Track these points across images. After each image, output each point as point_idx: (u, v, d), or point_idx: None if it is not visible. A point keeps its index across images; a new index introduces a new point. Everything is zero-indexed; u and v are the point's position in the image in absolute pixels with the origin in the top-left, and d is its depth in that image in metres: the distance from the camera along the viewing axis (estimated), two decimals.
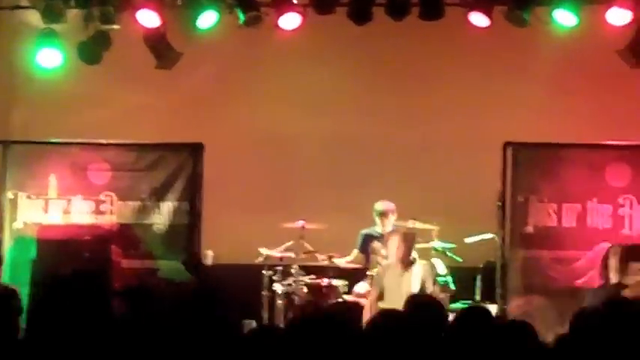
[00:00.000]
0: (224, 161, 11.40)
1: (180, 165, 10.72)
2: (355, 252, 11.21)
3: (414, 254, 10.31)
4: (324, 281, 10.84)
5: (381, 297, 9.86)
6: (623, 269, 9.25)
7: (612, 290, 9.05)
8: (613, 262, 9.32)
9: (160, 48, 11.07)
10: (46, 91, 12.08)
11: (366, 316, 9.48)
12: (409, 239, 10.29)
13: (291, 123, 12.44)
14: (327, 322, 4.86)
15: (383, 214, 11.09)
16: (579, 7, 10.47)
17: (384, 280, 10.15)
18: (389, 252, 10.37)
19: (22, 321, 7.07)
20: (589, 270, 9.88)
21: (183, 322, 5.33)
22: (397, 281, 10.08)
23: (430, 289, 9.87)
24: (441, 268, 10.82)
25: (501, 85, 12.25)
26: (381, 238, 11.04)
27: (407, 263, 10.13)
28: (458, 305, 10.44)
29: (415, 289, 9.75)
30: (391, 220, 11.09)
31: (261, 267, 10.87)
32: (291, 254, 10.96)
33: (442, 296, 10.55)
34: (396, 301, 9.07)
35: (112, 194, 10.71)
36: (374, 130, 12.39)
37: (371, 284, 10.66)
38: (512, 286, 9.99)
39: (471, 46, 11.70)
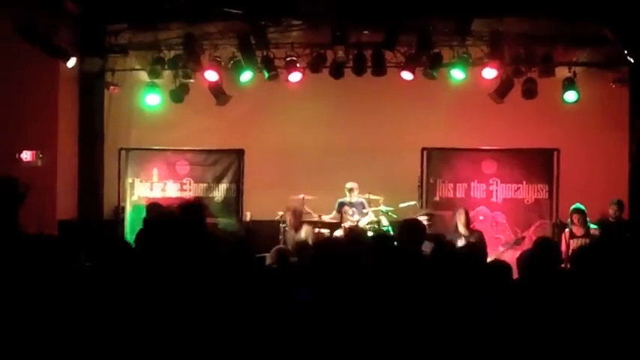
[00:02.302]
0: (256, 160, 11.59)
1: (231, 162, 11.29)
2: (334, 213, 11.54)
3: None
4: (316, 230, 10.99)
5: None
6: (467, 224, 10.02)
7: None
8: (461, 219, 10.01)
9: (218, 93, 12.18)
10: (151, 119, 12.63)
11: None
12: (298, 214, 10.78)
13: (295, 136, 12.91)
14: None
15: (350, 190, 11.51)
16: (466, 67, 11.70)
17: (287, 235, 10.66)
18: (287, 220, 10.70)
19: None
20: (471, 222, 10.19)
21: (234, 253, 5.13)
22: (292, 237, 10.52)
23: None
24: (385, 222, 11.51)
25: (422, 112, 12.58)
26: (349, 204, 11.45)
27: (297, 228, 10.65)
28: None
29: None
30: (355, 194, 11.52)
31: (278, 222, 11.09)
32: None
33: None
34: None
35: (191, 179, 11.30)
36: (345, 139, 12.79)
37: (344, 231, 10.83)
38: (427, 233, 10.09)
39: (404, 88, 12.03)
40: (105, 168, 12.21)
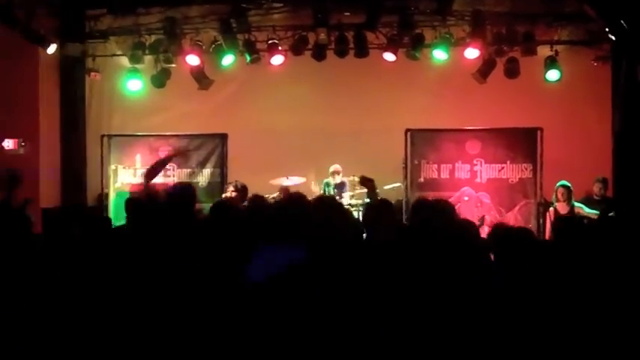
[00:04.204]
0: (240, 143, 11.42)
1: (214, 146, 11.18)
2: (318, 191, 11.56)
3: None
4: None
5: None
6: None
7: None
8: None
9: (200, 77, 12.19)
10: (133, 104, 12.63)
11: None
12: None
13: (279, 119, 12.81)
14: None
15: (333, 173, 11.71)
16: (448, 47, 11.68)
17: None
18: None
19: None
20: (456, 203, 10.17)
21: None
22: None
23: None
24: None
25: (405, 93, 12.61)
26: (334, 186, 11.60)
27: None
28: None
29: None
30: (339, 176, 11.68)
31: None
32: (280, 197, 10.87)
33: None
34: None
35: (174, 165, 11.09)
36: (329, 122, 12.75)
37: None
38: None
39: (386, 70, 12.01)
40: (87, 155, 12.18)
